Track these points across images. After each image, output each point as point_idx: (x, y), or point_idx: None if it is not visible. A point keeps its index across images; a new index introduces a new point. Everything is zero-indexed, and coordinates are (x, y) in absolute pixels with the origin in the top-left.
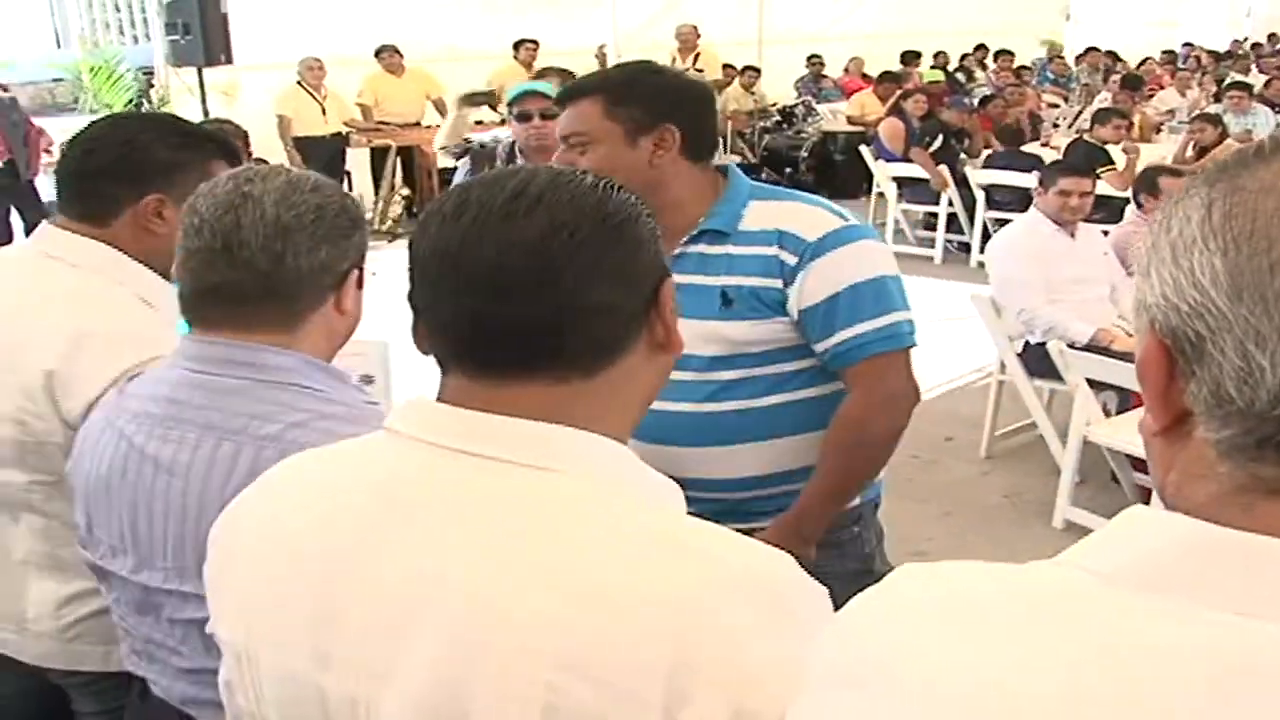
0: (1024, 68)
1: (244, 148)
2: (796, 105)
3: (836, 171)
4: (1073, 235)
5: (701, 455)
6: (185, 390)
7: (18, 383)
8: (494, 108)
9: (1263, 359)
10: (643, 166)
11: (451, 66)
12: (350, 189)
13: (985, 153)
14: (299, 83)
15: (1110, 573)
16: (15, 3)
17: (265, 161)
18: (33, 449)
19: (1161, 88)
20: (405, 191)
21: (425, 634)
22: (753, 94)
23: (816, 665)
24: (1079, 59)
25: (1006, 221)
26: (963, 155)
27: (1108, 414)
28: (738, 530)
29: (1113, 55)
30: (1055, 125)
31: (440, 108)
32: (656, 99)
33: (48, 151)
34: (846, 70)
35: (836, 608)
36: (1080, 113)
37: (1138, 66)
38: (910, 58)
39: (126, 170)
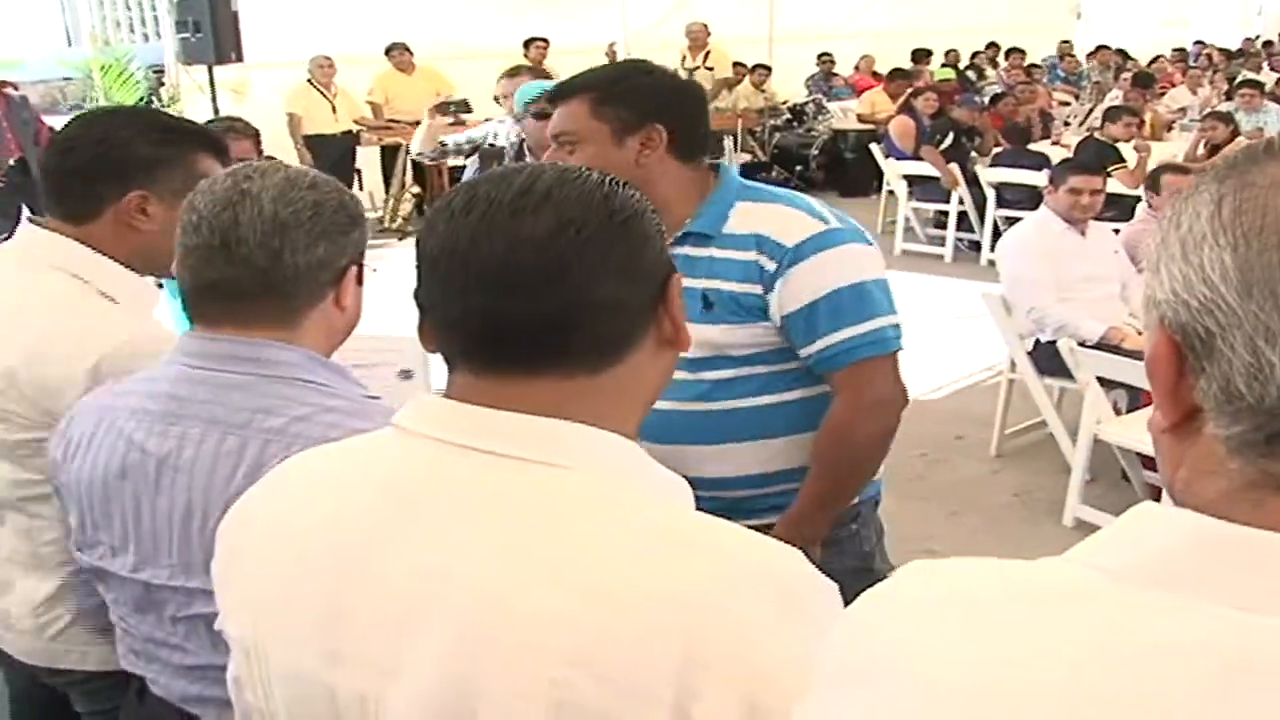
0: (1035, 66)
1: (255, 146)
2: (807, 103)
3: (847, 169)
4: (1083, 233)
5: (696, 453)
6: (186, 386)
7: None
8: (461, 122)
9: (1273, 355)
10: (629, 166)
11: (462, 65)
12: (361, 187)
13: (994, 151)
14: (309, 81)
15: (1118, 569)
16: (26, 1)
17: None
18: (19, 446)
19: (1173, 85)
20: (416, 189)
21: (433, 630)
22: (763, 92)
23: (825, 662)
24: (1090, 57)
25: (1017, 220)
26: (973, 153)
27: (1118, 412)
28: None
29: (1123, 53)
30: (1066, 123)
31: None
32: (644, 98)
33: None
34: (857, 68)
35: None
36: (1091, 111)
37: (1149, 64)
38: (921, 56)
39: (106, 168)
